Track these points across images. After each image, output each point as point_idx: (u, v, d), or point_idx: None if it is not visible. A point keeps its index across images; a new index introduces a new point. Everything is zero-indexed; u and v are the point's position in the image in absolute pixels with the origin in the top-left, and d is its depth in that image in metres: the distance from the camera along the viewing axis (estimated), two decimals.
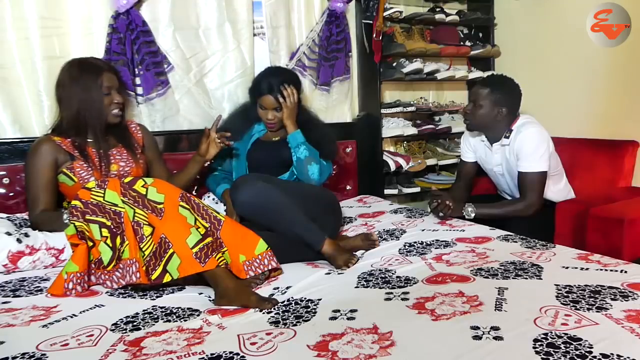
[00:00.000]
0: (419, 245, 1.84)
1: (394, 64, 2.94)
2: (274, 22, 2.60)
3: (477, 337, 1.10)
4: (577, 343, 1.05)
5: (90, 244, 1.51)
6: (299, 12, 2.69)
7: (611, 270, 1.49)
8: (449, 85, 3.36)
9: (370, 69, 2.86)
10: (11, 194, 2.02)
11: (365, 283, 1.50)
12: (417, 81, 3.10)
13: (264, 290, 1.49)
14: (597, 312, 1.21)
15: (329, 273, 1.61)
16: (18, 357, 1.08)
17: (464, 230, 2.02)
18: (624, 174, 2.53)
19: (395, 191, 2.98)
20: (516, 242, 1.84)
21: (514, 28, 3.17)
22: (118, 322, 1.26)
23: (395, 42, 2.87)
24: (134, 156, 1.93)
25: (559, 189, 2.34)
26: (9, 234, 1.66)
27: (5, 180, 2.01)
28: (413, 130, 2.98)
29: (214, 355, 1.07)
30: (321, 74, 2.73)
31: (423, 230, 2.05)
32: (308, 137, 2.07)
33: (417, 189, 3.03)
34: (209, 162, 2.13)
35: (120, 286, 1.47)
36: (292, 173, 2.09)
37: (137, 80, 2.27)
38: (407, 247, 1.82)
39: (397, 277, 1.52)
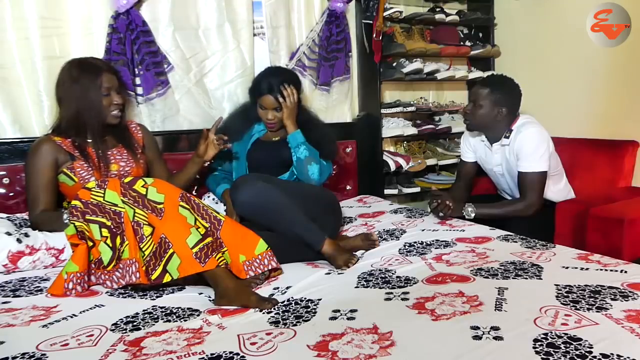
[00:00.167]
0: (419, 245, 1.84)
1: (394, 64, 2.94)
2: (274, 22, 2.59)
3: (477, 337, 1.10)
4: (577, 343, 1.05)
5: (90, 244, 1.51)
6: (299, 12, 2.69)
7: (611, 270, 1.49)
8: (449, 85, 3.36)
9: (370, 69, 2.86)
10: (11, 194, 2.02)
11: (365, 283, 1.50)
12: (417, 81, 3.10)
13: (264, 290, 1.49)
14: (597, 312, 1.21)
15: (329, 273, 1.61)
16: (18, 357, 1.07)
17: (464, 230, 2.02)
18: (624, 174, 2.53)
19: (395, 191, 2.98)
20: (516, 242, 1.84)
21: (514, 28, 3.17)
22: (118, 322, 1.26)
23: (395, 42, 2.87)
24: (134, 156, 1.93)
25: (559, 189, 2.35)
26: (9, 234, 1.66)
27: (5, 180, 2.01)
28: (413, 130, 2.98)
29: (214, 355, 1.07)
30: (321, 74, 2.73)
31: (423, 230, 2.05)
32: (308, 137, 2.07)
33: (417, 189, 3.03)
34: (208, 163, 2.13)
35: (120, 286, 1.47)
36: (292, 173, 2.09)
37: (137, 80, 2.27)
38: (407, 247, 1.82)
39: (397, 277, 1.52)
